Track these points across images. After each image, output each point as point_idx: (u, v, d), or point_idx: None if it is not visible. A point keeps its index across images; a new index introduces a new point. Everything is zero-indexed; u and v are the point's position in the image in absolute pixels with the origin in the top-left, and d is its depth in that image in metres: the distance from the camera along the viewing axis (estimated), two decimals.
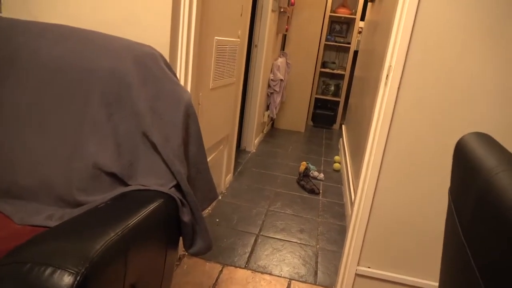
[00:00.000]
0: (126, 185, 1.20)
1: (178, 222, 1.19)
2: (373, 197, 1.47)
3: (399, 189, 1.47)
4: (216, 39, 1.89)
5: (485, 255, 0.33)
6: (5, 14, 1.50)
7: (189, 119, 1.29)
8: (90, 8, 1.42)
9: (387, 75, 1.35)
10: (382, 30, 2.41)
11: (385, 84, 1.35)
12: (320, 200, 2.76)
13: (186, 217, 1.20)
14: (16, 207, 1.17)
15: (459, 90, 1.32)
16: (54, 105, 1.17)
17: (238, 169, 3.14)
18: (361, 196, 1.50)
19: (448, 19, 1.30)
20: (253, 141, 3.65)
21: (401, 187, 1.46)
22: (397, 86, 1.32)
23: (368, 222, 1.53)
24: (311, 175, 3.15)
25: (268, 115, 4.13)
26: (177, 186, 1.21)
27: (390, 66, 1.34)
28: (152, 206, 1.05)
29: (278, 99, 4.09)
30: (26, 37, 1.21)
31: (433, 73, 1.33)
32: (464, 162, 0.41)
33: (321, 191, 2.92)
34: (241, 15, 2.25)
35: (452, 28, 1.30)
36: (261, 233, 2.18)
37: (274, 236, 2.17)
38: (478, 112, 1.33)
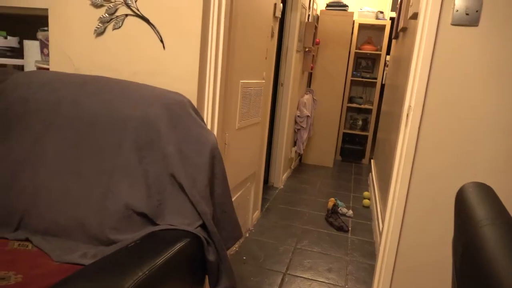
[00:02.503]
0: (155, 224, 1.26)
1: (203, 261, 1.23)
2: (399, 239, 1.45)
3: (424, 231, 1.45)
4: (242, 82, 1.99)
5: None
6: (52, 67, 1.67)
7: (215, 160, 1.35)
8: (126, 60, 1.56)
9: (407, 115, 1.38)
10: (404, 67, 2.44)
11: (406, 124, 1.37)
12: (349, 237, 2.72)
13: (211, 256, 1.24)
14: (54, 245, 1.25)
15: (480, 131, 1.32)
16: (90, 151, 1.27)
17: (266, 206, 3.16)
18: (386, 239, 1.48)
19: (466, 61, 1.32)
20: (280, 177, 3.68)
21: (427, 229, 1.44)
22: (417, 127, 1.34)
23: (394, 264, 1.50)
24: (340, 211, 3.12)
25: (296, 151, 4.17)
26: (203, 226, 1.26)
27: (409, 106, 1.37)
28: (178, 246, 1.10)
29: (305, 135, 4.14)
30: (69, 89, 1.35)
31: (454, 114, 1.34)
32: (460, 211, 0.43)
33: (350, 228, 2.88)
34: (265, 58, 2.36)
35: (471, 68, 1.32)
36: (288, 272, 2.16)
37: (301, 275, 2.14)
38: (500, 153, 1.31)
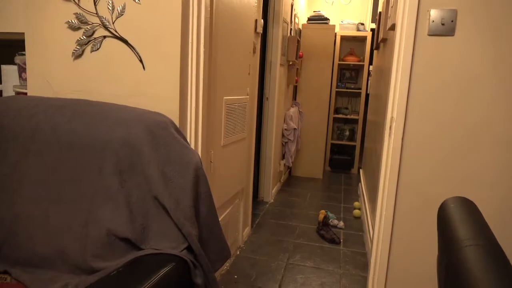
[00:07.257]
0: (139, 249, 1.22)
1: (191, 285, 1.19)
2: (389, 250, 1.44)
3: (414, 241, 1.43)
4: (225, 98, 1.98)
5: None
6: (30, 92, 1.63)
7: (199, 180, 1.33)
8: (106, 82, 1.54)
9: (390, 126, 1.38)
10: (386, 77, 2.46)
11: (389, 135, 1.37)
12: (341, 250, 2.69)
13: (198, 280, 1.20)
14: (34, 276, 1.20)
15: (463, 139, 1.33)
16: (70, 176, 1.24)
17: (256, 221, 3.12)
18: (377, 250, 1.46)
19: (445, 70, 1.34)
20: (270, 191, 3.65)
21: (416, 239, 1.43)
22: (400, 137, 1.34)
23: (386, 275, 1.48)
24: (331, 223, 3.09)
25: (284, 164, 4.16)
26: (189, 248, 1.23)
27: (392, 117, 1.37)
28: (163, 271, 1.07)
29: (293, 148, 4.14)
30: (46, 114, 1.31)
31: (436, 124, 1.34)
32: (442, 229, 0.42)
33: (341, 240, 2.85)
34: (249, 74, 2.36)
35: (450, 77, 1.33)
36: None
37: None
38: (485, 161, 1.32)
